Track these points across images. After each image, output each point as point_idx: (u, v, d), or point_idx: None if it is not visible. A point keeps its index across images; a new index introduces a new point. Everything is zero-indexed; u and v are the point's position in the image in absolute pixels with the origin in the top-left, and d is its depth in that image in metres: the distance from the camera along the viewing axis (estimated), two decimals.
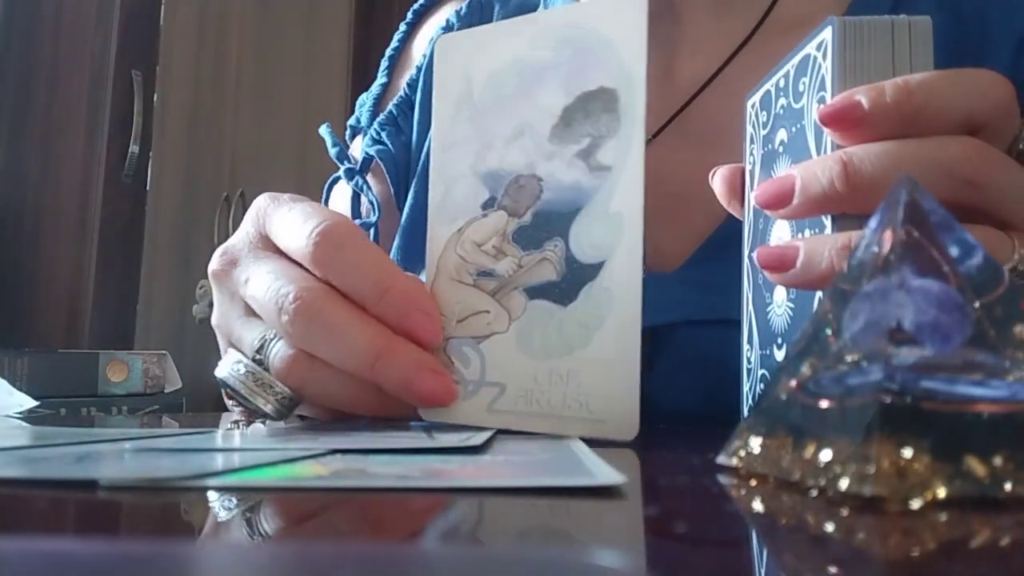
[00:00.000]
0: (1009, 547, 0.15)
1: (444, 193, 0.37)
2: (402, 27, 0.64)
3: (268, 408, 0.35)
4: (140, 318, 1.74)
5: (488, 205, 0.36)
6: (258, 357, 0.36)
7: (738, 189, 0.38)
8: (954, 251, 0.20)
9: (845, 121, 0.28)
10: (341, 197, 0.61)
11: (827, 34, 0.30)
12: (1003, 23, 0.49)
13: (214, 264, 0.39)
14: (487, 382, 0.35)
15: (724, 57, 0.52)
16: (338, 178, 0.59)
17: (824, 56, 0.30)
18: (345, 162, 0.57)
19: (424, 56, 0.60)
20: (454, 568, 0.13)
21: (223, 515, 0.18)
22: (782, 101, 0.34)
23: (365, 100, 0.63)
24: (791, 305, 0.32)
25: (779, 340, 0.34)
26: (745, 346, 0.38)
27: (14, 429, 0.38)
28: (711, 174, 0.39)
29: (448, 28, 0.59)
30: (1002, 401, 0.19)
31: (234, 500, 0.19)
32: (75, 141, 1.71)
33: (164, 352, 1.27)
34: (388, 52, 0.64)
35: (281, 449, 0.26)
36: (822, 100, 0.30)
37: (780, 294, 0.33)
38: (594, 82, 0.34)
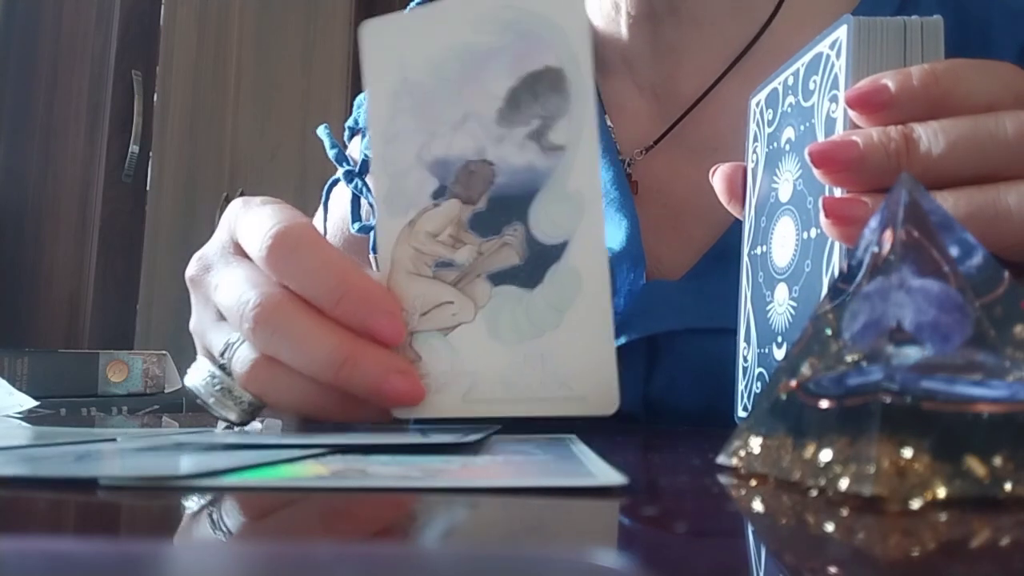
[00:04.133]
0: (1009, 547, 0.15)
1: (390, 186, 0.36)
2: None
3: (232, 416, 0.35)
4: (140, 318, 1.74)
5: (439, 194, 0.35)
6: (222, 361, 0.35)
7: (738, 188, 0.38)
8: (954, 251, 0.20)
9: (871, 104, 0.28)
10: (341, 199, 0.61)
11: (842, 33, 0.30)
12: (1005, 30, 0.48)
13: (190, 270, 0.39)
14: (459, 372, 0.34)
15: (727, 64, 0.51)
16: (337, 180, 0.59)
17: (838, 55, 0.30)
18: (344, 164, 0.57)
19: None
20: (454, 568, 0.13)
21: (223, 515, 0.18)
22: (790, 99, 0.34)
23: (363, 101, 0.62)
24: (793, 304, 0.32)
25: (779, 339, 0.34)
26: (741, 344, 0.38)
27: (14, 429, 0.38)
28: (711, 171, 0.39)
29: None
30: (1002, 401, 0.19)
31: (234, 500, 0.19)
32: (75, 141, 1.71)
33: (164, 352, 1.27)
34: None
35: (281, 449, 0.26)
36: (834, 99, 0.30)
37: (782, 293, 0.33)
38: (539, 62, 0.34)
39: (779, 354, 0.33)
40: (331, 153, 0.57)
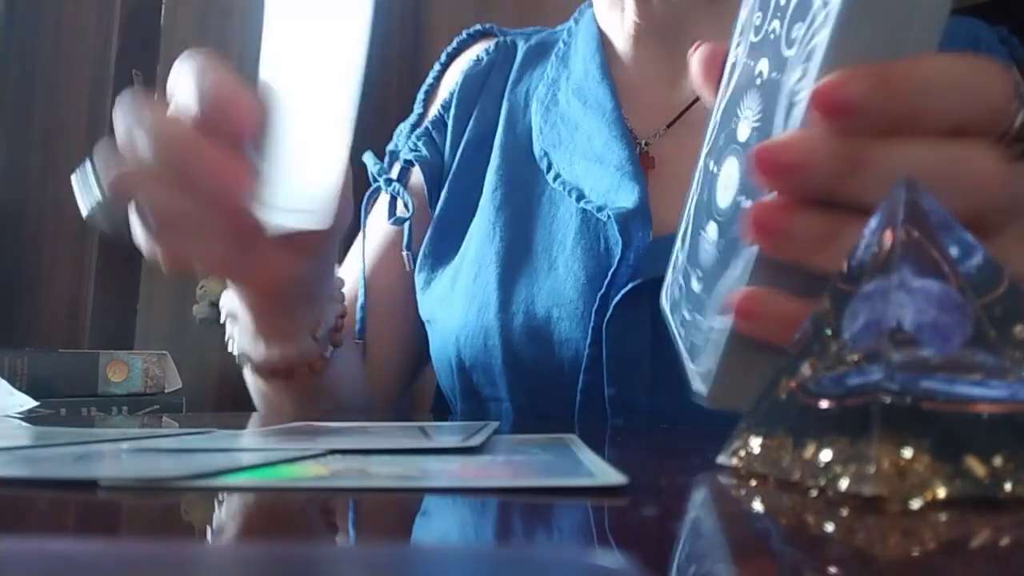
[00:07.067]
0: (1009, 547, 0.15)
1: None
2: (436, 66, 0.74)
3: (88, 208, 0.38)
4: (140, 318, 1.74)
5: None
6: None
7: (714, 71, 0.35)
8: (954, 251, 0.20)
9: (834, 106, 0.25)
10: (381, 205, 0.68)
11: None
12: (992, 47, 0.51)
13: None
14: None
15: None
16: (376, 190, 0.67)
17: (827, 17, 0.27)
18: (384, 175, 0.66)
19: (456, 83, 0.69)
20: (454, 568, 0.13)
21: (223, 515, 0.18)
22: (775, 24, 0.30)
23: (403, 128, 0.71)
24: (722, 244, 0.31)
25: (699, 272, 0.32)
26: (677, 244, 0.35)
27: (14, 429, 0.38)
28: (691, 51, 0.36)
29: (478, 62, 0.70)
30: (1002, 401, 0.19)
31: (234, 500, 0.19)
32: (75, 141, 1.71)
33: (164, 352, 1.26)
34: (424, 87, 0.74)
35: (281, 449, 0.26)
36: (811, 56, 0.28)
37: (712, 229, 0.31)
38: None
39: (697, 286, 0.31)
40: (374, 169, 0.67)
